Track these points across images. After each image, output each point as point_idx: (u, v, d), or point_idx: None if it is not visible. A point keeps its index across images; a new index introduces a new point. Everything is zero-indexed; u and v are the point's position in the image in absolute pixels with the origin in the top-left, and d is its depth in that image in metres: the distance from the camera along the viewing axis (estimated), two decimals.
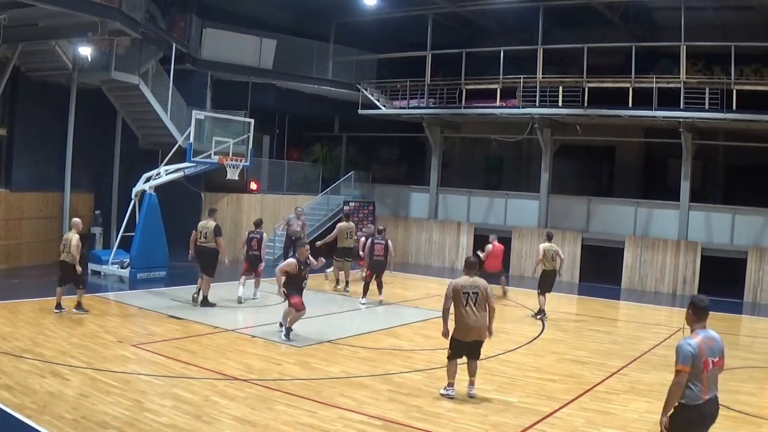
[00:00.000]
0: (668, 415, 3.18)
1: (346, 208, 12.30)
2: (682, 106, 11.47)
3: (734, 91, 10.79)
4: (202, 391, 4.98)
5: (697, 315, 3.23)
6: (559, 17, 13.04)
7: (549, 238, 9.04)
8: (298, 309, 6.57)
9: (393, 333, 7.50)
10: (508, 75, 12.95)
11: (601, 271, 12.79)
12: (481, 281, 5.12)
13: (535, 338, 7.64)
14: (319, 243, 9.96)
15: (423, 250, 14.45)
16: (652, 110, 11.82)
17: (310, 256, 6.81)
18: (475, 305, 4.98)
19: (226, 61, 12.79)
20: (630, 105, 12.00)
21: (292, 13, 14.49)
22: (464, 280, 5.06)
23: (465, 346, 5.07)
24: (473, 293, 4.99)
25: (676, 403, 3.17)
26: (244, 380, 5.32)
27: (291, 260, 6.69)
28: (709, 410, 3.23)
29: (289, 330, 6.61)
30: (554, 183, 13.70)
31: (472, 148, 16.02)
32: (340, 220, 11.03)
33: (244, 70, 13.15)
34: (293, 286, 6.60)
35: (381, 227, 9.86)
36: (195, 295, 8.30)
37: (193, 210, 11.65)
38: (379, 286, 9.16)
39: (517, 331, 7.85)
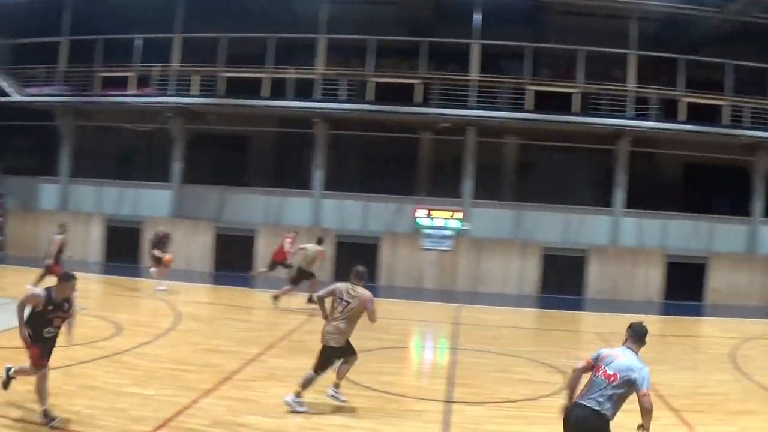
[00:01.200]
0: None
1: None
2: (317, 97, 14.79)
3: (373, 84, 14.84)
4: None
5: (628, 334, 4.32)
6: (198, 7, 15.05)
7: (319, 242, 11.44)
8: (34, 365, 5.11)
9: None
10: (147, 63, 15.25)
11: (235, 259, 14.72)
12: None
13: (170, 330, 8.21)
14: None
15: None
16: (288, 101, 14.77)
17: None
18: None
19: None
20: (267, 95, 14.81)
21: None
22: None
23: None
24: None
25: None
26: None
27: (37, 292, 5.32)
28: (567, 412, 4.11)
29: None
30: (189, 173, 15.71)
31: (105, 137, 17.43)
32: None
33: None
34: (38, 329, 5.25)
35: None
36: None
37: None
38: None
39: (152, 324, 8.36)
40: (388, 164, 16.57)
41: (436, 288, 14.75)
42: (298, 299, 11.43)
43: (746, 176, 15.54)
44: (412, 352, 10.00)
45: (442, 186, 15.58)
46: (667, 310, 14.61)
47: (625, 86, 14.72)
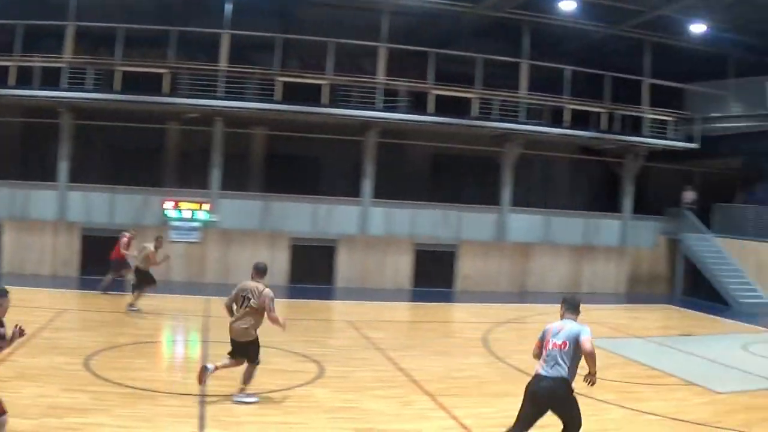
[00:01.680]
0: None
1: None
2: (63, 86, 15.49)
3: (121, 73, 15.71)
4: None
5: (564, 307, 5.48)
6: None
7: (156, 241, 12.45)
8: None
9: None
10: None
11: None
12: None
13: None
14: None
15: None
16: (33, 90, 15.34)
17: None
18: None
19: None
20: (13, 84, 15.19)
21: None
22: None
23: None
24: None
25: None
26: None
27: None
28: (532, 386, 5.22)
29: None
30: None
31: None
32: None
33: None
34: None
35: None
36: None
37: None
38: None
39: None
40: (136, 155, 17.49)
41: (185, 280, 15.88)
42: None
43: (495, 166, 18.03)
44: (164, 347, 10.79)
45: (190, 177, 16.75)
46: (417, 297, 16.65)
47: (375, 78, 16.64)
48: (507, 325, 13.23)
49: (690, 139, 19.09)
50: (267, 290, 7.06)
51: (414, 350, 10.74)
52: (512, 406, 7.36)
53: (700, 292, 19.24)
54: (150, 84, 15.86)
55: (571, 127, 17.95)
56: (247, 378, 7.09)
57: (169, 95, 15.86)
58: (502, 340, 11.89)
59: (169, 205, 16.10)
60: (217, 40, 16.19)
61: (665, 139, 18.92)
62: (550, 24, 17.28)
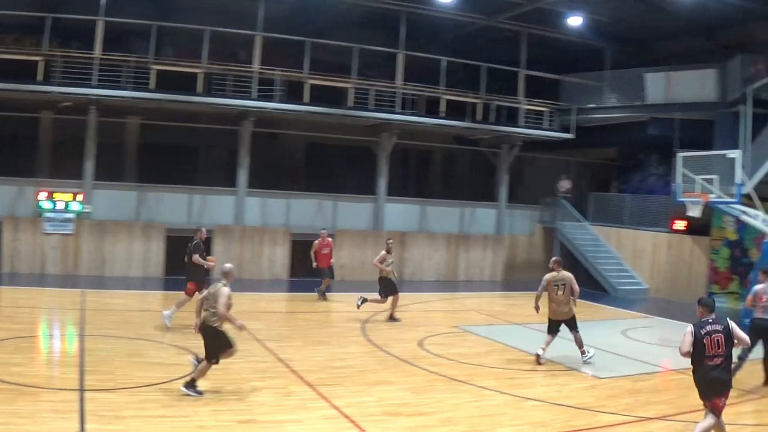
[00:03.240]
0: None
1: None
2: None
3: None
4: None
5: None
6: None
7: None
8: None
9: None
10: None
11: None
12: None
13: None
14: None
15: None
16: None
17: None
18: None
19: None
20: None
21: None
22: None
23: None
24: None
25: None
26: None
27: None
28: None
29: None
30: None
31: None
32: None
33: None
34: None
35: None
36: None
37: None
38: None
39: None
40: (9, 145, 23.47)
41: (60, 273, 22.04)
42: None
43: (371, 156, 25.39)
44: (41, 341, 14.00)
45: (64, 167, 22.99)
46: (295, 288, 23.19)
47: (251, 67, 23.30)
48: (385, 314, 18.04)
49: (566, 130, 27.27)
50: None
51: (293, 341, 15.05)
52: (392, 395, 10.98)
53: (578, 279, 27.40)
54: (24, 71, 21.42)
55: (446, 118, 25.53)
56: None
57: (43, 83, 21.76)
58: (381, 329, 16.70)
59: (43, 196, 22.23)
60: (92, 27, 22.16)
61: (541, 129, 26.99)
62: (427, 15, 24.69)
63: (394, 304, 17.90)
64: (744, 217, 21.66)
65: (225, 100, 22.89)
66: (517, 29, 26.22)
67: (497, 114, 26.65)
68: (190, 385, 10.19)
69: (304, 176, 26.36)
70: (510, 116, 26.92)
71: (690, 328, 8.85)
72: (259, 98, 23.22)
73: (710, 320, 8.88)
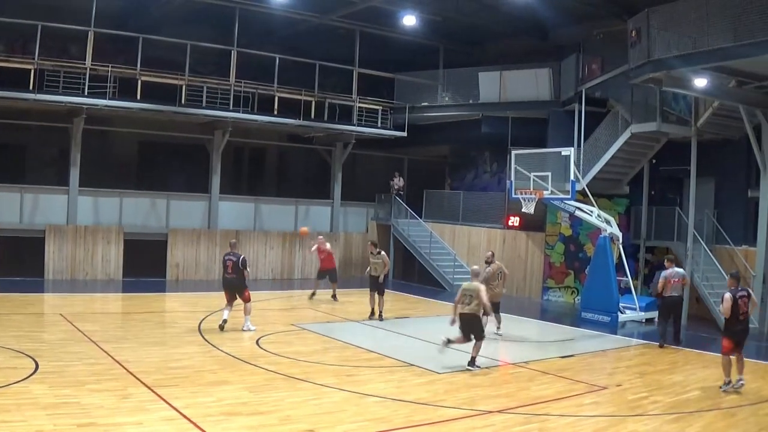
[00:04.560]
0: None
1: None
2: None
3: None
4: None
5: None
6: None
7: None
8: None
9: None
10: None
11: None
12: None
13: None
14: None
15: None
16: None
17: None
18: None
19: None
20: None
21: None
22: None
23: None
24: None
25: None
26: None
27: None
28: None
29: None
30: None
31: None
32: None
33: None
34: None
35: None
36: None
37: None
38: None
39: None
40: None
41: None
42: None
43: (205, 154, 33.01)
44: None
45: None
46: (129, 288, 29.41)
47: (82, 63, 30.08)
48: (221, 314, 21.06)
49: (400, 128, 36.00)
50: None
51: (129, 342, 17.96)
52: (231, 394, 13.52)
53: (413, 275, 36.65)
54: None
55: (280, 116, 33.43)
56: None
57: None
58: (217, 328, 20.22)
59: None
60: None
61: (375, 127, 35.53)
62: (261, 12, 32.28)
63: (373, 301, 24.61)
64: (579, 213, 27.57)
65: (56, 96, 28.98)
66: (351, 27, 34.56)
67: (331, 112, 34.87)
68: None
69: (137, 174, 33.77)
70: (344, 114, 35.28)
71: (728, 294, 15.79)
72: (91, 95, 29.56)
73: (739, 288, 16.11)
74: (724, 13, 21.01)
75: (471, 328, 17.20)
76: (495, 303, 20.99)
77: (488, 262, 22.13)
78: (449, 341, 17.15)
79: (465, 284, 17.73)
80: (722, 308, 16.14)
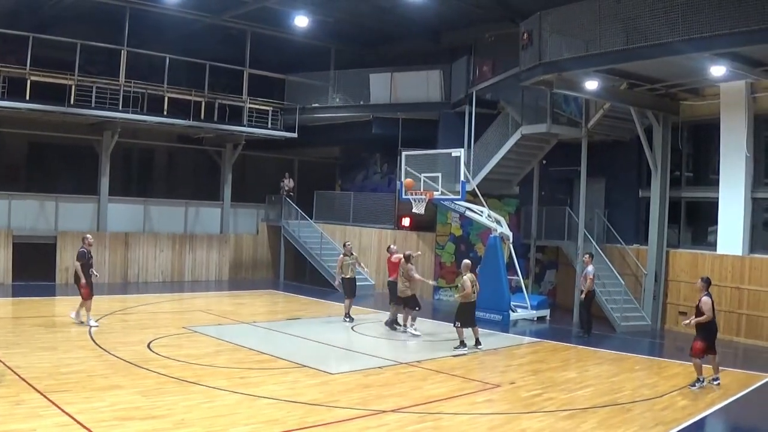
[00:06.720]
0: None
1: None
2: None
3: None
4: None
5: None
6: None
7: None
8: None
9: None
10: None
11: None
12: None
13: None
14: None
15: None
16: None
17: None
18: None
19: None
20: None
21: None
22: None
23: None
24: None
25: None
26: None
27: None
28: None
29: None
30: None
31: None
32: None
33: None
34: None
35: None
36: None
37: None
38: None
39: None
40: None
41: None
42: None
43: (94, 155, 33.46)
44: None
45: None
46: (18, 292, 29.59)
47: None
48: (111, 317, 22.78)
49: (290, 129, 37.03)
50: None
51: (19, 347, 18.10)
52: (124, 399, 13.77)
53: (304, 276, 37.71)
54: None
55: (169, 116, 34.06)
56: None
57: None
58: (108, 332, 20.92)
59: None
60: None
61: (264, 128, 36.47)
62: (152, 11, 32.95)
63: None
64: (469, 213, 28.51)
65: None
66: (243, 28, 35.51)
67: (221, 113, 35.71)
68: None
69: (26, 176, 33.97)
70: (234, 115, 36.18)
71: (707, 298, 17.30)
72: None
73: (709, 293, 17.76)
74: (617, 16, 22.33)
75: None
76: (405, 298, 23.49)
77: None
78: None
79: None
80: (704, 312, 17.31)
